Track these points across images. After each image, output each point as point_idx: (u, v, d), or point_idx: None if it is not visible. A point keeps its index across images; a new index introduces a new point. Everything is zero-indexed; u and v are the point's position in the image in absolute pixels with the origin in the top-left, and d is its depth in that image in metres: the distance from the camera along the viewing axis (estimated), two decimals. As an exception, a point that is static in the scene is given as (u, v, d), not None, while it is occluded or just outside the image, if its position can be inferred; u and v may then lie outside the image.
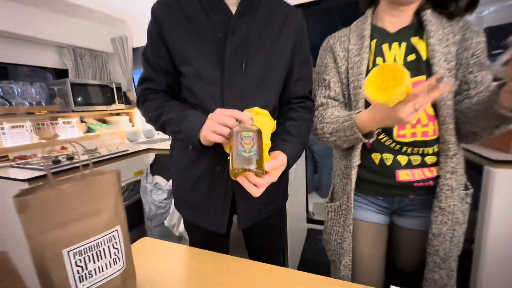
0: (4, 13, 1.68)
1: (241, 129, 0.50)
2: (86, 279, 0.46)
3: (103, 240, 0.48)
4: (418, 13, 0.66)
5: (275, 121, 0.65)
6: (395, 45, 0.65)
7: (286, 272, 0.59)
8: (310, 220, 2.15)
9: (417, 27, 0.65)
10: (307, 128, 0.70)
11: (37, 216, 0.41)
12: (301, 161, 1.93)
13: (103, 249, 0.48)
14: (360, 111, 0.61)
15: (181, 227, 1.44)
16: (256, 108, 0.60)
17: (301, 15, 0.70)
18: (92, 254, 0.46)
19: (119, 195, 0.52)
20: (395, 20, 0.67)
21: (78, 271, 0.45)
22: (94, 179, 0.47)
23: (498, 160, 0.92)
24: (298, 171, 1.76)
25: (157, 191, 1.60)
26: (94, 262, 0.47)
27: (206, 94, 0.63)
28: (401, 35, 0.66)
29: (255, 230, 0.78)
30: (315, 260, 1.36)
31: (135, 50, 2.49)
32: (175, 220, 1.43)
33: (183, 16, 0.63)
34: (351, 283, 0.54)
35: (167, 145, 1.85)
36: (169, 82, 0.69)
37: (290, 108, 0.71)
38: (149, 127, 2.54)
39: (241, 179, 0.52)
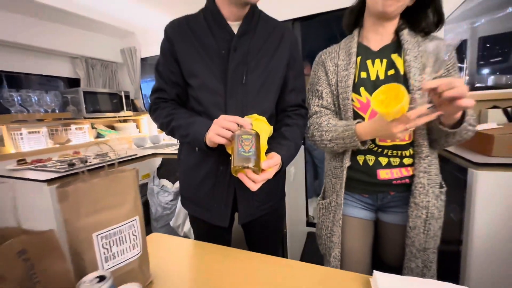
0: (22, 27, 1.82)
1: (242, 133, 0.59)
2: (110, 260, 0.54)
3: (125, 227, 0.56)
4: (397, 33, 0.75)
5: (272, 126, 0.73)
6: (377, 61, 0.74)
7: (282, 261, 0.66)
8: (310, 224, 2.21)
9: (396, 46, 0.74)
10: (300, 133, 0.78)
11: (74, 204, 0.50)
12: (301, 166, 2.00)
13: (124, 235, 0.56)
14: (358, 121, 0.70)
15: (186, 228, 1.52)
16: (255, 115, 0.69)
17: (294, 34, 0.80)
18: (116, 238, 0.55)
19: (138, 190, 0.61)
20: (378, 37, 0.76)
21: (104, 253, 0.53)
22: (117, 175, 0.56)
23: (481, 163, 1.00)
24: (298, 176, 1.83)
25: (164, 193, 1.69)
26: (117, 246, 0.55)
27: (211, 103, 0.72)
28: (383, 53, 0.75)
29: (254, 226, 0.86)
30: (315, 262, 1.42)
31: (143, 60, 2.62)
32: (180, 220, 1.51)
33: (192, 35, 0.73)
34: (342, 271, 0.61)
35: (173, 149, 1.94)
36: (178, 92, 0.78)
37: (286, 116, 0.80)
38: (155, 133, 2.65)
39: (240, 175, 0.61)
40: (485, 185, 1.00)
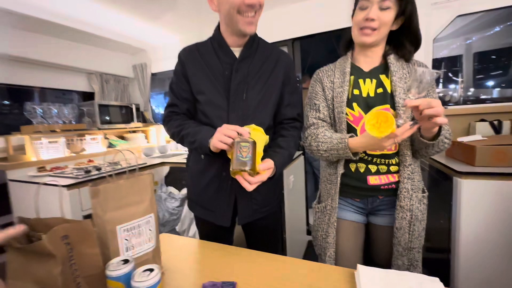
0: (44, 46, 2.01)
1: (241, 140, 0.69)
2: (130, 250, 0.64)
3: (142, 222, 0.66)
4: (385, 56, 0.86)
5: (268, 136, 0.84)
6: (368, 80, 0.85)
7: (277, 257, 0.74)
8: (310, 233, 2.26)
9: (384, 67, 0.85)
10: (294, 143, 0.89)
11: (103, 200, 0.60)
12: (301, 176, 2.09)
13: (142, 229, 0.66)
14: (351, 135, 0.80)
15: (191, 233, 1.60)
16: (253, 125, 0.80)
17: (289, 56, 0.92)
18: (135, 231, 0.65)
19: (153, 191, 0.71)
20: (368, 60, 0.87)
21: (125, 243, 0.63)
22: (137, 178, 0.67)
23: (464, 171, 1.07)
24: (298, 186, 1.90)
25: (171, 200, 1.78)
26: (136, 238, 0.65)
27: (215, 116, 0.83)
28: (373, 73, 0.85)
29: (253, 228, 0.95)
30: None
31: (152, 75, 2.79)
32: (185, 226, 1.59)
33: (201, 59, 0.85)
34: (331, 265, 0.69)
35: (180, 159, 2.05)
36: (188, 107, 0.90)
37: (282, 127, 0.90)
38: (163, 143, 2.78)
39: (238, 177, 0.71)
40: (469, 193, 1.07)
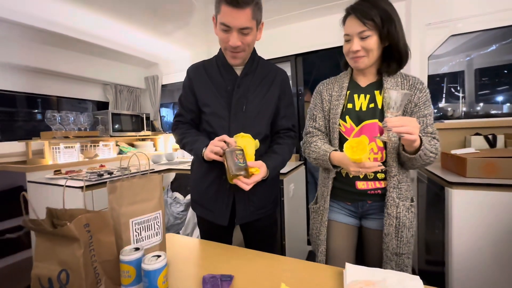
0: (64, 59, 2.19)
1: (234, 149, 0.78)
2: (139, 242, 0.71)
3: (151, 218, 0.75)
4: (381, 73, 0.92)
5: (257, 140, 0.91)
6: (362, 96, 0.92)
7: (272, 256, 0.81)
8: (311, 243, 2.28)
9: (379, 84, 0.91)
10: (289, 150, 0.98)
11: (119, 196, 0.69)
12: (302, 185, 2.14)
13: (151, 224, 0.74)
14: (335, 150, 0.88)
15: (194, 236, 1.66)
16: (241, 133, 0.89)
17: (285, 73, 1.02)
18: (145, 225, 0.73)
19: (162, 191, 0.79)
20: (364, 78, 0.95)
21: (136, 235, 0.71)
22: (149, 177, 0.76)
23: (455, 182, 1.12)
24: (299, 194, 1.95)
25: (176, 204, 1.85)
26: (145, 232, 0.73)
27: (218, 126, 0.93)
28: (368, 89, 0.92)
29: (250, 229, 1.02)
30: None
31: (163, 86, 2.95)
32: (189, 230, 1.66)
33: (206, 75, 0.96)
34: (321, 264, 0.75)
35: (185, 166, 2.14)
36: (192, 117, 1.01)
37: (278, 136, 1.00)
38: (170, 151, 2.89)
39: (236, 181, 0.80)
40: (460, 203, 1.12)
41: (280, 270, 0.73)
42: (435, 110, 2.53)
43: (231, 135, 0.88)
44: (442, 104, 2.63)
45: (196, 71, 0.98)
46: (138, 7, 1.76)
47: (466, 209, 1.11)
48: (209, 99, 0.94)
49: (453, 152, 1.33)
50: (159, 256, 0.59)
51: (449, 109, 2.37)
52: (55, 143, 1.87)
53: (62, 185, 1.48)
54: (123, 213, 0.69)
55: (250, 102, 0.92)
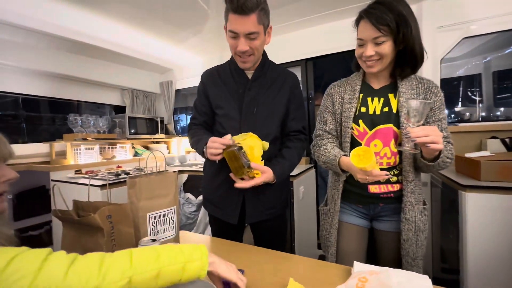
0: (84, 65, 2.32)
1: (240, 148, 0.81)
2: (156, 235, 0.76)
3: (167, 212, 0.79)
4: (393, 76, 0.89)
5: (265, 142, 0.94)
6: (376, 99, 0.90)
7: (282, 254, 0.83)
8: (321, 247, 2.26)
9: (394, 86, 0.89)
10: (297, 153, 1.01)
11: (138, 191, 0.74)
12: (312, 189, 2.14)
13: (166, 218, 0.79)
14: (344, 155, 0.87)
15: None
16: (249, 133, 0.91)
17: (295, 76, 1.04)
18: (160, 220, 0.77)
19: (177, 188, 0.84)
20: (376, 80, 0.93)
21: (152, 229, 0.75)
22: (165, 174, 0.80)
23: (468, 185, 1.10)
24: (309, 197, 1.95)
25: (188, 205, 1.90)
26: (161, 226, 0.77)
27: (230, 126, 0.97)
28: (381, 92, 0.90)
29: (260, 229, 1.05)
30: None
31: (177, 91, 3.05)
32: (200, 229, 1.70)
33: (220, 79, 1.01)
34: (331, 263, 0.76)
35: (197, 168, 2.20)
36: (205, 119, 1.06)
37: (288, 139, 1.03)
38: (183, 153, 2.97)
39: (236, 178, 0.84)
40: (474, 206, 1.09)
41: (289, 267, 0.74)
42: (452, 115, 2.48)
43: None
44: (458, 108, 2.56)
45: (209, 75, 1.03)
46: (155, 16, 1.85)
47: (481, 213, 1.08)
48: (222, 101, 0.99)
49: (467, 155, 1.31)
50: (174, 246, 0.63)
51: (466, 113, 2.31)
52: (76, 144, 1.98)
53: (83, 184, 1.57)
54: (141, 207, 0.74)
55: (260, 105, 0.96)
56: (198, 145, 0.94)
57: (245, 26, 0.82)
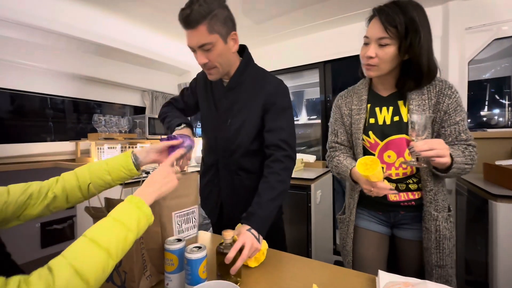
0: (106, 67, 2.42)
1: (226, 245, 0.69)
2: (181, 233, 0.77)
3: (190, 211, 0.81)
4: (398, 85, 0.84)
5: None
6: (384, 109, 0.87)
7: (302, 259, 0.82)
8: (337, 252, 2.22)
9: (402, 93, 0.84)
10: (278, 181, 0.84)
11: (164, 191, 0.76)
12: (329, 194, 2.11)
13: (189, 217, 0.80)
14: (354, 166, 0.81)
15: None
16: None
17: (277, 85, 0.92)
18: (184, 218, 0.79)
19: (198, 188, 0.86)
20: (383, 87, 0.89)
21: (177, 227, 0.77)
22: (188, 175, 0.82)
23: (499, 194, 1.05)
24: (326, 202, 1.92)
25: (204, 205, 1.94)
26: (185, 224, 0.79)
27: (209, 134, 1.02)
28: (390, 100, 0.86)
29: None
30: None
31: (194, 92, 3.11)
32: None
33: (209, 83, 1.00)
34: (353, 270, 0.74)
35: (213, 169, 2.23)
36: (184, 108, 1.10)
37: (266, 165, 0.87)
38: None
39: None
40: (506, 217, 1.03)
41: (309, 272, 0.74)
42: (481, 119, 2.36)
43: (217, 145, 0.97)
44: (484, 112, 2.43)
45: (202, 77, 1.03)
46: (174, 18, 1.90)
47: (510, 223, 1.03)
48: (203, 106, 1.03)
49: (497, 163, 1.24)
50: (199, 247, 0.64)
51: (494, 117, 2.19)
52: (100, 143, 2.07)
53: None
54: (167, 206, 0.76)
55: (234, 116, 0.93)
56: (170, 124, 0.98)
57: (194, 38, 0.79)
